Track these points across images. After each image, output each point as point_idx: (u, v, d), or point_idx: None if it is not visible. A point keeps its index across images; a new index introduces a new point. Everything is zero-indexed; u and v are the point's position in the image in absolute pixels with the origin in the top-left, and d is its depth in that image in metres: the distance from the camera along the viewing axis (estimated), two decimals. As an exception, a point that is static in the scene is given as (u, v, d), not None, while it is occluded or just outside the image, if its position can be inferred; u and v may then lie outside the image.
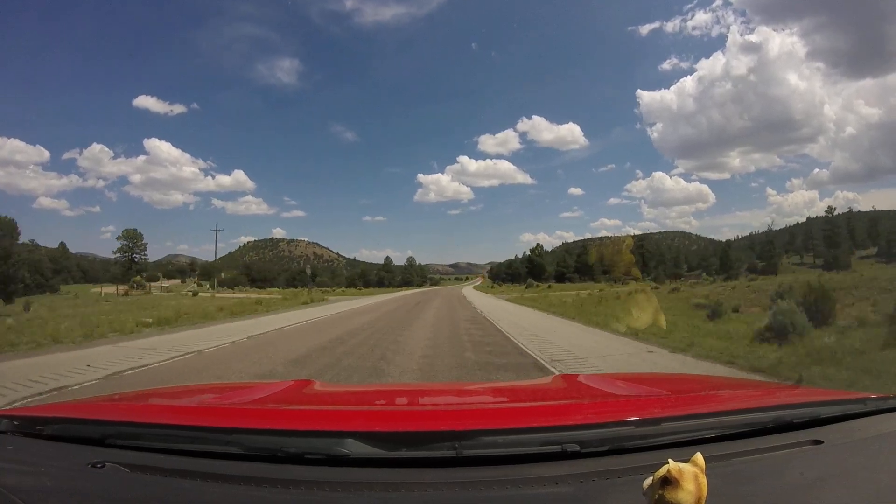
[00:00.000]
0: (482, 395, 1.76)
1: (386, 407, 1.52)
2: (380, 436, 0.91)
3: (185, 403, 1.56)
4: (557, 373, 5.86)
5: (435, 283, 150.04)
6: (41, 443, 1.04)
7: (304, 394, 1.72)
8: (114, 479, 0.87)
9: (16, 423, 1.12)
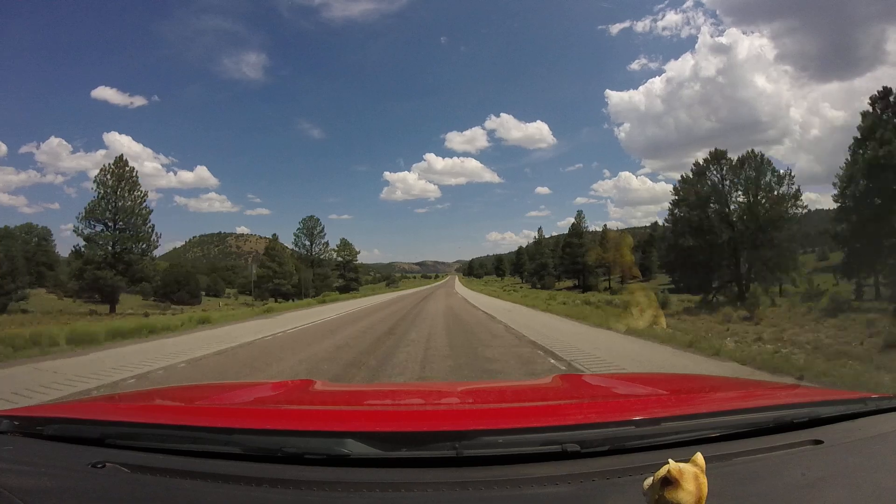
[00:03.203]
0: (482, 395, 1.76)
1: (386, 407, 1.52)
2: (380, 436, 0.91)
3: (185, 403, 1.56)
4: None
5: (393, 282, 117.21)
6: (41, 443, 1.04)
7: (305, 394, 1.72)
8: (114, 479, 0.87)
9: (16, 423, 1.12)
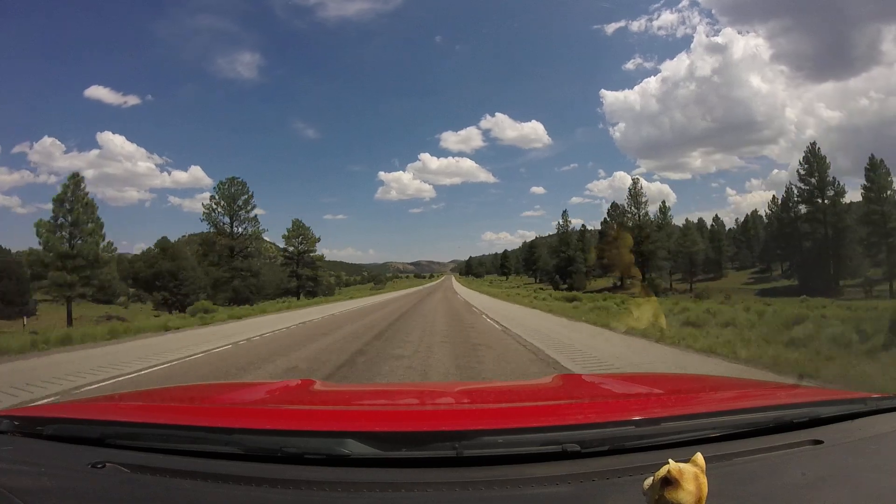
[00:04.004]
0: (482, 395, 1.76)
1: (386, 407, 1.52)
2: (380, 436, 0.91)
3: (185, 403, 1.56)
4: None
5: (380, 283, 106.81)
6: (41, 443, 1.04)
7: (305, 393, 1.72)
8: (114, 479, 0.87)
9: (16, 423, 1.12)
